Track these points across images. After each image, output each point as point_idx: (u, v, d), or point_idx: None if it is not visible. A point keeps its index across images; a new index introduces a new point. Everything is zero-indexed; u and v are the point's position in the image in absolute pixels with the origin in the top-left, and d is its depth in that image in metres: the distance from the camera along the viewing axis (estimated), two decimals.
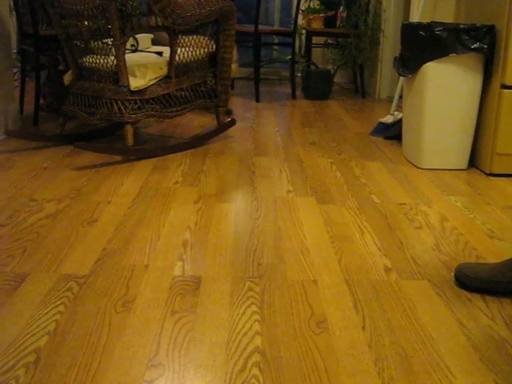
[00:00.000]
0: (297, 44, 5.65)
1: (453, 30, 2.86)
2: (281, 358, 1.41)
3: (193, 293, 1.70)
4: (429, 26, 2.91)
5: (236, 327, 1.53)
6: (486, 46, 2.86)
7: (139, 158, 3.05)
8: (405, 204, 2.51)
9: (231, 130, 3.72)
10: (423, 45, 2.93)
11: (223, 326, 1.53)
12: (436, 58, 2.92)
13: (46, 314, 1.57)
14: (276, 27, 6.39)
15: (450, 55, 2.88)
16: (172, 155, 3.15)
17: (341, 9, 5.28)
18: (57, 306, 1.61)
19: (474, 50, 2.87)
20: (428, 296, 1.73)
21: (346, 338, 1.50)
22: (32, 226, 2.16)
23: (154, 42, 3.71)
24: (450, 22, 3.33)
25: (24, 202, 2.40)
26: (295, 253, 1.99)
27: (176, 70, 3.16)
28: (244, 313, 1.60)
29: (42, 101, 3.98)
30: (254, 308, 1.63)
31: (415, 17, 3.82)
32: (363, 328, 1.55)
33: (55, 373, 1.33)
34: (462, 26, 2.86)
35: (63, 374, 1.33)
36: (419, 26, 2.96)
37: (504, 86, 2.85)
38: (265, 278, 1.80)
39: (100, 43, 3.05)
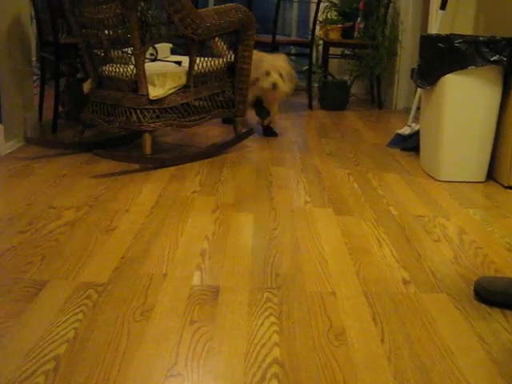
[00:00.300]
0: (314, 54, 5.64)
1: (472, 42, 2.85)
2: (299, 369, 1.40)
3: (211, 303, 1.70)
4: (448, 38, 2.90)
5: (254, 338, 1.53)
6: (505, 59, 2.85)
7: (157, 167, 3.06)
8: (423, 216, 2.50)
9: (248, 140, 3.73)
10: (442, 57, 2.93)
11: (242, 337, 1.53)
12: (455, 70, 2.91)
13: (65, 321, 1.58)
14: (293, 38, 6.41)
15: (469, 67, 2.87)
16: (190, 164, 3.16)
17: (358, 20, 5.28)
18: (76, 314, 1.62)
19: (494, 62, 2.86)
20: (447, 309, 1.72)
21: (364, 351, 1.49)
22: (51, 234, 2.17)
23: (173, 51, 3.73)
24: (468, 34, 3.32)
25: (43, 210, 2.41)
26: (313, 264, 1.99)
27: (195, 79, 3.17)
28: (262, 323, 1.60)
29: (60, 108, 4.00)
30: (272, 319, 1.63)
31: (433, 28, 3.81)
32: (382, 341, 1.54)
33: (74, 381, 1.33)
34: (481, 39, 2.86)
35: (82, 382, 1.33)
36: (438, 37, 2.96)
37: None
38: (283, 289, 1.80)
39: (120, 52, 3.07)
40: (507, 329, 1.63)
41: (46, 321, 1.58)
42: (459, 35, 2.93)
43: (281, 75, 3.70)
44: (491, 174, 3.11)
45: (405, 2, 5.15)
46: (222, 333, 1.55)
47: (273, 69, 3.67)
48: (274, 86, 3.68)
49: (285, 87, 3.72)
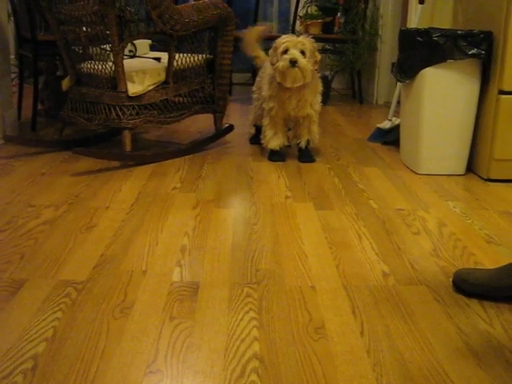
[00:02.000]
0: None
1: (450, 36, 2.86)
2: (279, 363, 1.41)
3: (191, 299, 1.70)
4: (426, 32, 2.91)
5: (234, 333, 1.53)
6: (483, 52, 2.87)
7: (137, 164, 3.05)
8: (403, 209, 2.51)
9: (229, 136, 3.72)
10: (421, 51, 2.94)
11: (221, 332, 1.53)
12: (433, 64, 2.92)
13: (44, 320, 1.57)
14: (274, 33, 6.40)
15: (448, 61, 2.89)
16: (170, 161, 3.15)
17: (338, 15, 5.29)
18: (55, 312, 1.61)
19: (472, 55, 2.87)
20: (426, 301, 1.73)
21: (344, 344, 1.50)
22: (30, 232, 2.16)
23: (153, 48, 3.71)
24: (447, 28, 3.34)
25: (22, 208, 2.40)
26: (293, 258, 1.99)
27: (174, 75, 3.16)
28: (242, 319, 1.60)
29: (40, 106, 3.98)
30: (252, 314, 1.63)
31: (413, 23, 3.82)
32: (361, 334, 1.55)
33: (53, 379, 1.33)
34: (459, 32, 2.87)
35: (61, 380, 1.32)
36: (417, 31, 2.97)
37: (501, 92, 2.86)
38: (263, 284, 1.80)
39: (98, 49, 3.06)
40: (485, 319, 1.64)
41: (25, 320, 1.57)
42: (438, 29, 2.94)
43: (303, 52, 2.99)
44: (471, 167, 3.13)
45: None
46: (201, 328, 1.55)
47: (291, 44, 2.98)
48: (292, 61, 2.94)
49: (307, 64, 2.97)
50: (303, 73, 2.99)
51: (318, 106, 3.20)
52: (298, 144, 3.27)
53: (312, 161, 3.24)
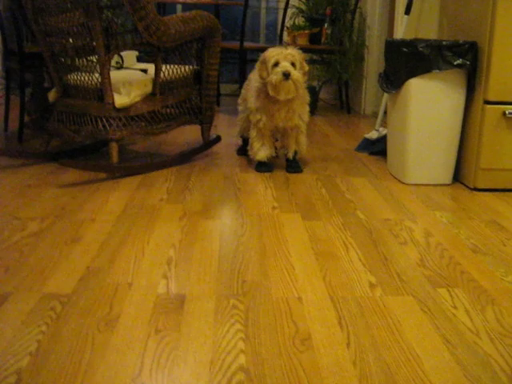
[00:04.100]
0: None
1: (436, 46, 2.88)
2: (265, 376, 1.40)
3: (177, 311, 1.69)
4: (412, 43, 2.93)
5: (220, 345, 1.52)
6: (468, 63, 2.89)
7: (124, 176, 3.04)
8: (390, 220, 2.52)
9: (216, 147, 3.72)
10: (407, 61, 2.95)
11: (207, 345, 1.52)
12: (419, 74, 2.93)
13: (28, 333, 1.56)
14: (262, 44, 6.42)
15: (433, 71, 2.90)
16: (157, 172, 3.14)
17: (325, 26, 5.32)
18: (39, 326, 1.59)
19: (457, 66, 2.89)
20: (413, 312, 1.73)
21: (330, 355, 1.49)
22: (15, 245, 2.14)
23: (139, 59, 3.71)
24: (433, 38, 3.36)
25: (7, 220, 2.38)
26: (280, 270, 1.99)
27: (161, 87, 3.16)
28: (228, 331, 1.59)
29: (26, 118, 3.96)
30: (238, 326, 1.62)
31: (399, 33, 3.85)
32: (348, 345, 1.54)
33: None
34: (444, 43, 2.89)
35: None
36: (403, 42, 2.98)
37: (487, 102, 2.87)
38: (249, 296, 1.80)
39: (85, 60, 3.05)
40: (472, 330, 1.64)
41: (9, 333, 1.55)
42: (423, 40, 2.96)
43: (293, 64, 2.99)
44: (457, 177, 3.14)
45: (371, 7, 5.20)
46: (187, 341, 1.54)
47: (281, 57, 2.98)
48: (286, 74, 2.94)
49: (300, 76, 2.99)
50: (296, 85, 2.99)
51: (306, 116, 3.21)
52: (286, 155, 3.27)
53: (299, 171, 3.25)
